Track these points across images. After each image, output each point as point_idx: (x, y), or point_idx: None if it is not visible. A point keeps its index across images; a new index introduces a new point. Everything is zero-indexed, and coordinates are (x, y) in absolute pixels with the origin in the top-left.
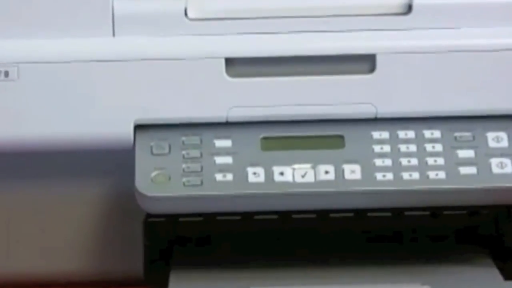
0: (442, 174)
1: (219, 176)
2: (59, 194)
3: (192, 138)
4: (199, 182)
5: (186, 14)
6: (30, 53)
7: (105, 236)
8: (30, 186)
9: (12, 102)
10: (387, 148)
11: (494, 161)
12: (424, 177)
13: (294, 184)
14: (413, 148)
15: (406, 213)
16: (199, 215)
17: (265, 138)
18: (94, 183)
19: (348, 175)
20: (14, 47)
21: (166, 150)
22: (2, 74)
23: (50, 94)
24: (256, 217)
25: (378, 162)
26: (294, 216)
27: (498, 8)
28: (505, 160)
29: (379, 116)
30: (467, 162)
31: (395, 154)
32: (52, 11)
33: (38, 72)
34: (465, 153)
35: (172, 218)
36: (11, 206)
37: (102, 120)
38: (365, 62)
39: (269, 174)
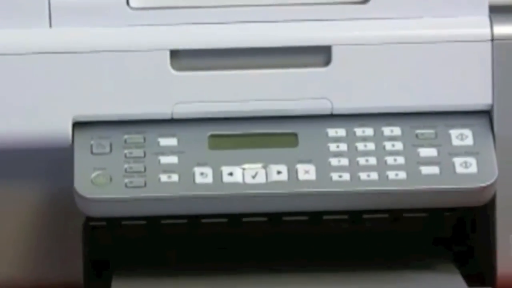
0: (402, 174)
1: (163, 177)
2: (7, 195)
3: (135, 137)
4: (142, 184)
5: (128, 3)
6: None
7: (42, 241)
8: None
9: None
10: (343, 147)
11: (457, 161)
12: (383, 177)
13: (244, 185)
14: (371, 146)
15: (364, 216)
16: (143, 218)
17: (213, 136)
18: (29, 184)
19: (301, 176)
20: None
21: (107, 149)
22: None
23: None
24: (204, 220)
25: (334, 161)
26: (244, 219)
27: None
28: (470, 160)
29: (335, 112)
30: (429, 162)
31: (352, 153)
32: None
33: None
34: (427, 152)
35: (114, 222)
36: None
37: (38, 116)
38: (320, 54)
39: (217, 175)
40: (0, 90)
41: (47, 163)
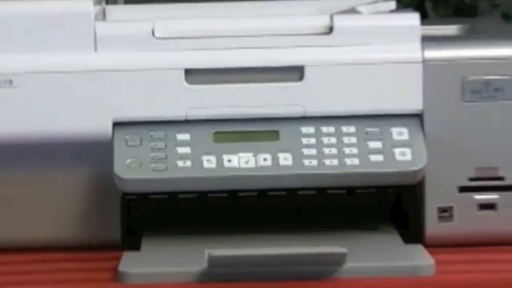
0: (356, 161)
1: (180, 163)
2: (58, 175)
3: (158, 133)
4: (164, 168)
5: (153, 34)
6: (30, 66)
7: (90, 211)
8: (35, 169)
9: (15, 106)
10: (312, 141)
11: (397, 151)
12: (342, 163)
13: (239, 169)
14: (333, 140)
15: (328, 191)
16: (165, 193)
17: (216, 133)
18: (82, 168)
19: (281, 162)
20: (17, 61)
21: (138, 142)
22: (7, 83)
23: (47, 98)
24: (210, 195)
25: (306, 151)
26: (240, 194)
27: (400, 29)
28: (406, 150)
29: (307, 115)
30: (375, 151)
31: (319, 145)
32: (50, 33)
33: (37, 81)
34: (374, 144)
35: (143, 196)
36: (20, 184)
37: (88, 119)
38: (296, 72)
39: (219, 161)
40: (60, 100)
41: (94, 153)
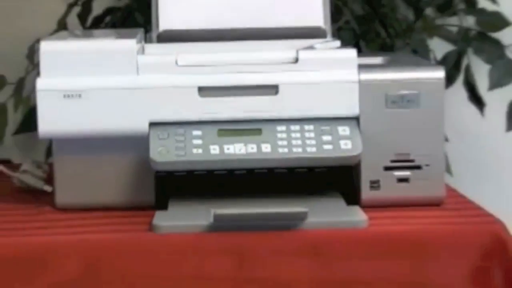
0: (314, 149)
1: (194, 150)
2: (112, 159)
3: (179, 130)
4: (184, 154)
5: (176, 63)
6: (92, 84)
7: (135, 183)
8: (97, 154)
9: (84, 112)
10: (284, 135)
11: (342, 142)
12: (304, 150)
13: (234, 154)
14: (298, 135)
15: (295, 170)
16: (185, 171)
17: (220, 130)
18: (127, 155)
19: (263, 150)
20: (84, 81)
21: (166, 136)
22: (77, 96)
23: (105, 107)
24: (215, 172)
25: (280, 142)
26: (236, 172)
27: (344, 59)
28: (348, 141)
29: (280, 118)
30: (327, 142)
31: (289, 138)
32: (107, 62)
33: (98, 95)
34: (326, 138)
35: (170, 173)
36: (87, 165)
37: (132, 120)
38: (273, 89)
39: (221, 149)
40: (114, 108)
41: (137, 144)
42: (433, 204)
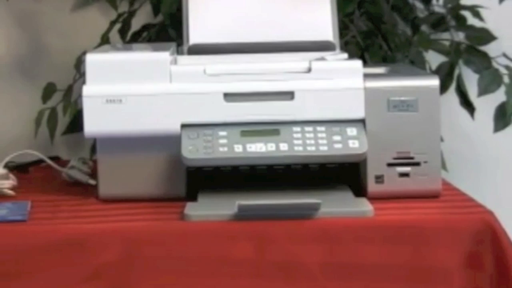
0: (325, 147)
1: (221, 149)
2: (149, 156)
3: (207, 131)
4: (211, 152)
5: (205, 72)
6: (132, 91)
7: (169, 177)
8: (136, 152)
9: (124, 114)
10: (299, 136)
11: (350, 142)
12: (317, 149)
13: (256, 152)
14: (311, 135)
15: (309, 166)
16: (211, 167)
17: (242, 131)
18: (161, 152)
19: (281, 148)
20: (124, 88)
21: (196, 136)
22: (118, 101)
23: (143, 110)
24: (239, 168)
25: (295, 142)
26: (257, 168)
27: (351, 69)
28: (355, 141)
29: (296, 120)
30: (337, 142)
31: (304, 138)
32: (144, 71)
33: (136, 100)
34: (336, 138)
35: (199, 169)
36: (127, 161)
37: (166, 122)
38: (289, 95)
39: (244, 148)
40: (149, 111)
41: (170, 143)
42: (431, 196)
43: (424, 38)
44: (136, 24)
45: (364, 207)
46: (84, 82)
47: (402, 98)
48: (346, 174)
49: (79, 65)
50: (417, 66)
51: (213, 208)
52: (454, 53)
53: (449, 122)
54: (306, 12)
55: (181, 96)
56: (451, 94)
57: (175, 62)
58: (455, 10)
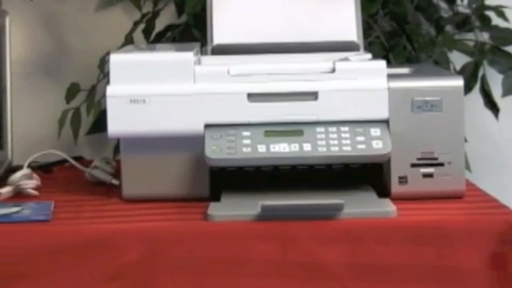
0: (349, 148)
1: (244, 149)
2: (173, 156)
3: (231, 132)
4: (235, 152)
5: (228, 72)
6: (156, 91)
7: (192, 177)
8: (159, 152)
9: (148, 115)
10: (323, 136)
11: (373, 142)
12: (340, 149)
13: (279, 152)
14: (335, 136)
15: (333, 166)
16: (235, 167)
17: (266, 131)
18: (185, 152)
19: (305, 148)
20: (148, 88)
21: (219, 136)
22: (142, 101)
23: (167, 110)
24: (263, 169)
25: (319, 142)
26: (280, 168)
27: (375, 70)
28: (379, 141)
29: (319, 120)
30: (361, 142)
31: (327, 139)
32: (169, 71)
33: (160, 100)
34: (360, 138)
35: (222, 169)
36: (151, 161)
37: (189, 123)
38: (313, 95)
39: (268, 148)
40: (174, 111)
41: (193, 143)
42: (455, 197)
43: (448, 39)
44: (160, 24)
45: (388, 207)
46: (108, 82)
47: (426, 99)
48: (369, 175)
49: (102, 65)
50: (441, 67)
51: (236, 208)
52: (479, 53)
53: (473, 122)
54: (330, 12)
55: (205, 96)
56: (475, 95)
57: (199, 62)
58: (480, 10)
